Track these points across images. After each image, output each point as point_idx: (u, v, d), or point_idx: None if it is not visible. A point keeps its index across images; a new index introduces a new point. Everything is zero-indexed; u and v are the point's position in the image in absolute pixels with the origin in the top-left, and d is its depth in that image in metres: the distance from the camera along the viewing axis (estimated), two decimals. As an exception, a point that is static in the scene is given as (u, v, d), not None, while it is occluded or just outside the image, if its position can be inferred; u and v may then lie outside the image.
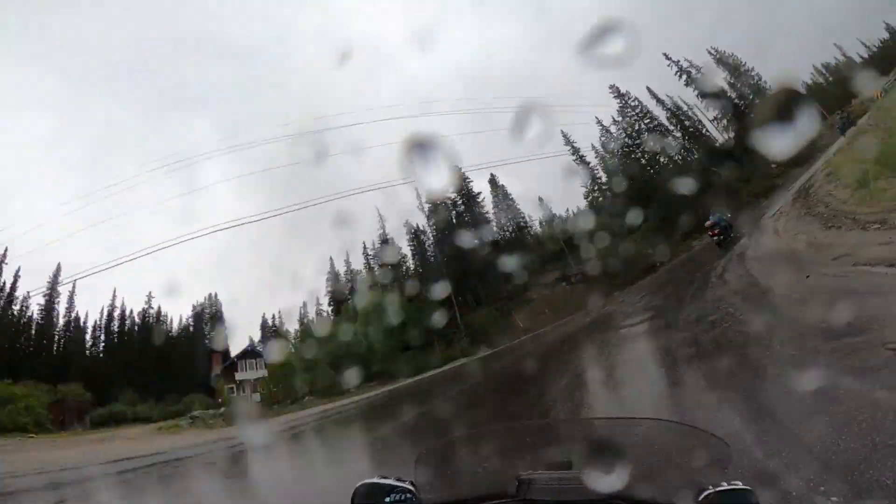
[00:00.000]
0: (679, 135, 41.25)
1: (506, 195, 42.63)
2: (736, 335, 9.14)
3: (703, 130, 41.26)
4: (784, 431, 4.81)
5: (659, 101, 41.61)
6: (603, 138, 42.24)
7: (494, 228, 41.38)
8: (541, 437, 2.36)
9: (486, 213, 41.81)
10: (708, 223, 21.04)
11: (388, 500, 1.48)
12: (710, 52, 42.14)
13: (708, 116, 41.47)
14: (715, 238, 20.29)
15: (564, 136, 41.34)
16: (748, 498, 1.41)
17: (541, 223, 42.58)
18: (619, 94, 42.03)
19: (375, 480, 1.53)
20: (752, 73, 40.28)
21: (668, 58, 40.88)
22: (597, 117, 42.05)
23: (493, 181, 42.62)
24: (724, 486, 1.42)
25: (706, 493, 1.42)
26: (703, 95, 40.96)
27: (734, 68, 40.91)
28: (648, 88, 41.34)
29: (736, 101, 40.18)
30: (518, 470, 1.64)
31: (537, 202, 42.89)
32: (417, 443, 10.62)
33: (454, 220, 40.83)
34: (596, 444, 1.65)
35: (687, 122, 41.58)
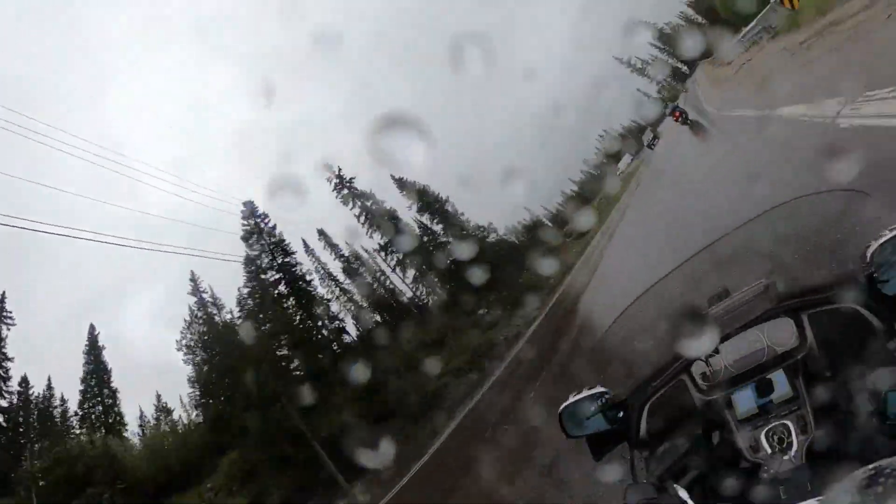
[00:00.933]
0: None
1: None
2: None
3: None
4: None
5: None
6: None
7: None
8: (691, 279, 2.10)
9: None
10: (668, 111, 26.28)
11: (591, 408, 1.53)
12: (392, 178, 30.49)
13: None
14: (679, 120, 22.89)
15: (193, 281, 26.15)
16: None
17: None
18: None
19: (571, 400, 1.57)
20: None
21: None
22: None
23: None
24: (887, 235, 1.21)
25: (871, 249, 1.23)
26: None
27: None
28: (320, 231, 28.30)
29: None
30: (685, 317, 1.48)
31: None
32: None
33: None
34: (742, 258, 1.79)
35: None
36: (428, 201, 29.74)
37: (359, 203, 27.60)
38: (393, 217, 28.03)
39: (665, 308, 2.01)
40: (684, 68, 39.84)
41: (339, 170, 27.60)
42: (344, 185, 27.67)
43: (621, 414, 1.54)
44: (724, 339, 1.39)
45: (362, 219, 27.58)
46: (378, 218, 27.38)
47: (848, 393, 1.23)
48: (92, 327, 27.32)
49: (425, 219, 29.42)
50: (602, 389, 1.54)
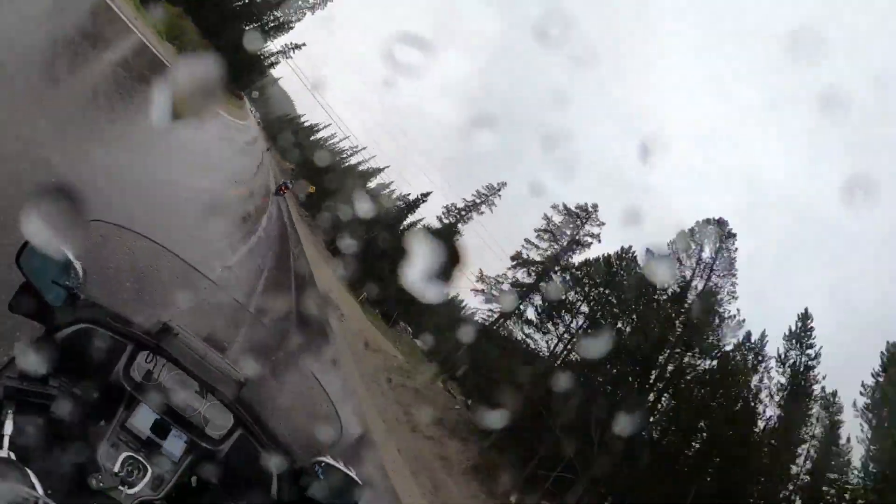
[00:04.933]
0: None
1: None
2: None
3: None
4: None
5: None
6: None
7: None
8: (213, 300, 2.12)
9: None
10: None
11: (63, 275, 1.31)
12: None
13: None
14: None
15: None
16: (355, 485, 1.52)
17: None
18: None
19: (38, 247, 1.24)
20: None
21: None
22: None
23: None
24: (340, 465, 1.52)
25: (322, 460, 1.52)
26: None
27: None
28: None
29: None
30: (171, 312, 1.59)
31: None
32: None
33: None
34: (256, 349, 1.83)
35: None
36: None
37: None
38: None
39: (183, 279, 1.91)
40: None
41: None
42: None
43: (72, 305, 1.36)
44: (182, 366, 1.45)
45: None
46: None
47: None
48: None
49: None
50: (79, 269, 1.34)
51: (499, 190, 33.95)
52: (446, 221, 35.31)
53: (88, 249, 1.69)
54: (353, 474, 1.54)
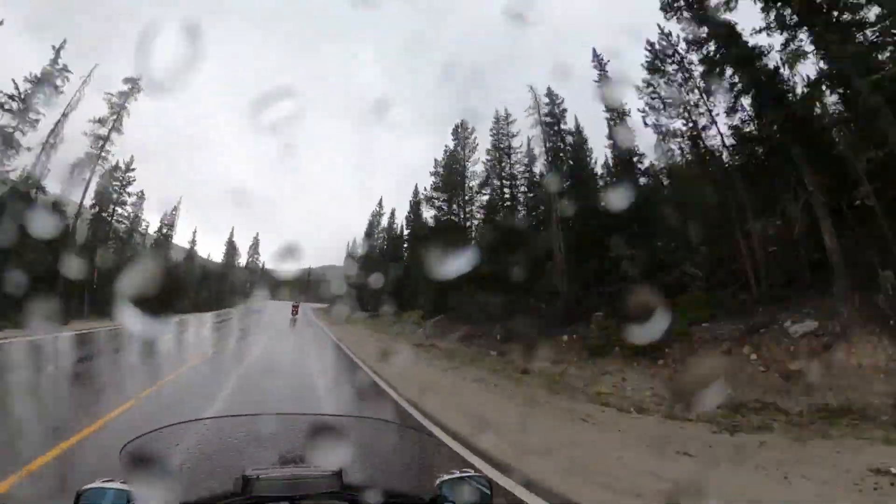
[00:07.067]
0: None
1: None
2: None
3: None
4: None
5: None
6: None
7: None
8: (267, 432, 2.19)
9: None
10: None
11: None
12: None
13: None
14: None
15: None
16: (480, 481, 1.63)
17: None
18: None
19: (97, 485, 1.38)
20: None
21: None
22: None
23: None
24: (457, 473, 1.63)
25: (441, 479, 1.58)
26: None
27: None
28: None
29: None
30: (245, 465, 1.60)
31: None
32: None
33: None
34: (328, 439, 1.72)
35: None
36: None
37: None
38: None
39: (235, 441, 2.00)
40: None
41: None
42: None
43: None
44: (279, 499, 1.46)
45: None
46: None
47: None
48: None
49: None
50: (126, 488, 1.36)
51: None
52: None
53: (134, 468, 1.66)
54: (473, 473, 1.61)
